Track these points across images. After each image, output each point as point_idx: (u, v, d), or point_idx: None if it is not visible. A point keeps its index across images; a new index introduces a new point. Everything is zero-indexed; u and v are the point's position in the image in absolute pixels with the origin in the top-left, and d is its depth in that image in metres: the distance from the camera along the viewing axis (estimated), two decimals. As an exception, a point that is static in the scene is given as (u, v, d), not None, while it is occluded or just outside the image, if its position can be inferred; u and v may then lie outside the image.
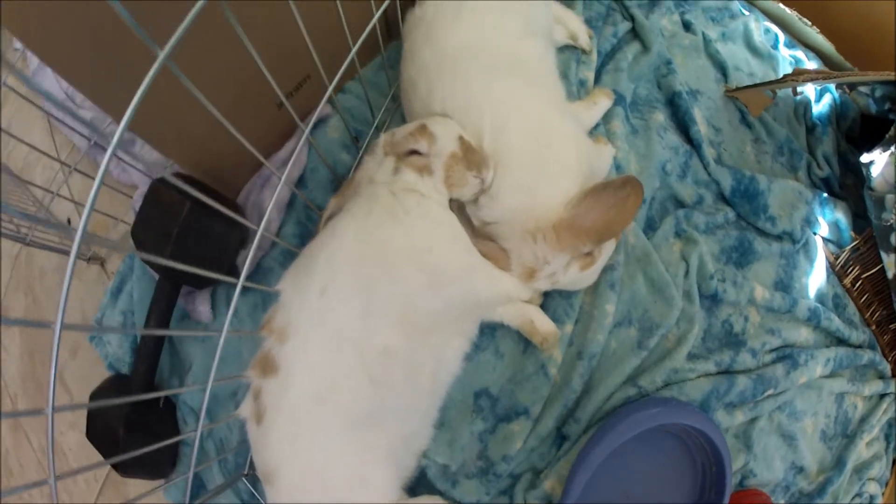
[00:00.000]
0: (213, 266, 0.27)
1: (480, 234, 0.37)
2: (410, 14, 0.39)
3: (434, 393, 0.36)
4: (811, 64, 0.63)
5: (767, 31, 0.65)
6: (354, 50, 0.32)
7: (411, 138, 0.34)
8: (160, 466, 0.39)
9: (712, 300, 0.45)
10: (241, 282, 0.26)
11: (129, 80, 0.18)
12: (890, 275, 0.57)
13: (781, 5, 0.64)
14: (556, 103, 0.38)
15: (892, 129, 0.52)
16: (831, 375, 0.55)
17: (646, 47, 0.50)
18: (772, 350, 0.48)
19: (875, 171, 0.52)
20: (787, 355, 0.48)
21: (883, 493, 0.71)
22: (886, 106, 0.59)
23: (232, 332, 0.28)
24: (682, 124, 0.48)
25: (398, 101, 0.42)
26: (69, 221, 0.52)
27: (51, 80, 0.56)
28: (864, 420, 0.60)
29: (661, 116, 0.47)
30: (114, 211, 0.50)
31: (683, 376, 0.41)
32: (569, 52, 0.46)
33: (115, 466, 0.39)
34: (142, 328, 0.39)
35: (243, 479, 0.39)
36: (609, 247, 0.37)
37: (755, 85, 0.49)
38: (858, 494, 0.63)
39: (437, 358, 0.35)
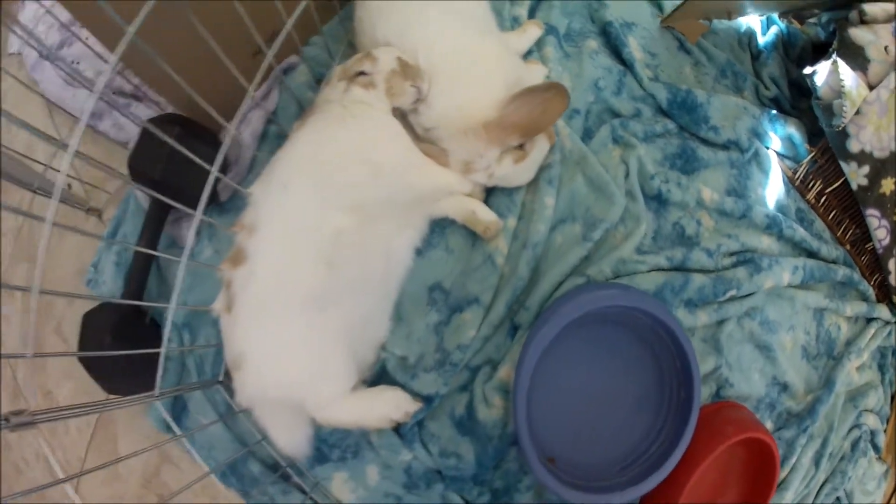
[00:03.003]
0: (198, 190, 0.35)
1: (423, 141, 0.44)
2: None
3: (387, 280, 0.42)
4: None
5: None
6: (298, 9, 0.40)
7: (358, 62, 0.42)
8: (143, 382, 0.45)
9: (659, 202, 0.50)
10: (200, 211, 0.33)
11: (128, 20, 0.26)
12: (854, 185, 0.61)
13: None
14: (485, 31, 0.46)
15: (835, 41, 0.58)
16: (804, 287, 0.58)
17: None
18: (731, 253, 0.53)
19: (819, 81, 0.58)
20: (749, 259, 0.53)
21: (885, 430, 0.71)
22: (832, 28, 0.64)
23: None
24: (616, 50, 0.55)
25: (354, 48, 0.51)
26: (69, 187, 0.62)
27: (49, 73, 0.68)
28: (850, 343, 0.63)
29: (594, 44, 0.55)
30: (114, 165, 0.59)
31: (633, 268, 0.46)
32: (505, 13, 0.55)
33: (102, 384, 0.46)
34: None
35: (219, 385, 0.45)
36: (542, 144, 0.44)
37: (680, 5, 0.56)
38: (857, 426, 0.65)
39: (388, 245, 0.41)
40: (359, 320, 0.41)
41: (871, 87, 0.60)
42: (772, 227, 0.56)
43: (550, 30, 0.54)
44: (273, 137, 0.48)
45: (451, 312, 0.44)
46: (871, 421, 0.68)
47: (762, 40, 0.70)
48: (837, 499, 0.64)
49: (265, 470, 0.45)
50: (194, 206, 0.36)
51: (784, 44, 0.71)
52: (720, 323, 0.51)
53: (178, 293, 0.36)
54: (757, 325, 0.54)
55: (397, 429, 0.44)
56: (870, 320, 0.67)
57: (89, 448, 0.58)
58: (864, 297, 0.66)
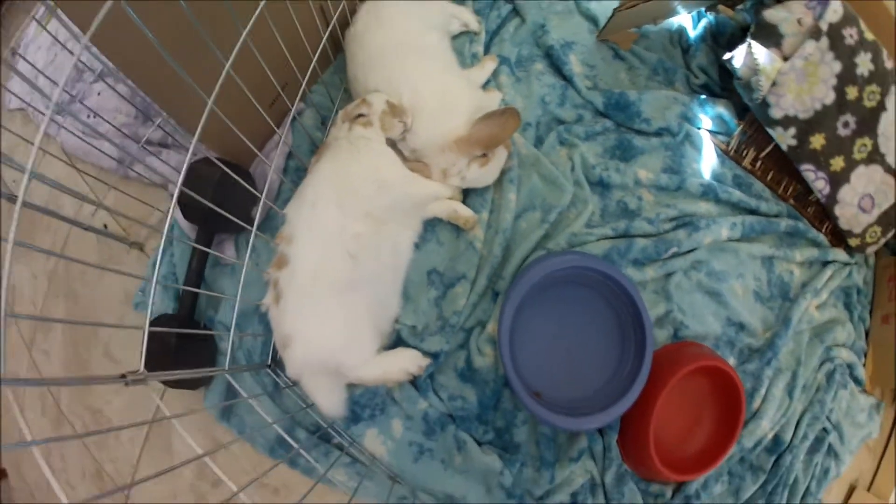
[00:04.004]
0: (238, 212, 0.63)
1: (409, 159, 0.73)
2: (347, 32, 0.80)
3: (395, 268, 0.71)
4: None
5: None
6: (316, 57, 0.71)
7: (357, 107, 0.73)
8: (200, 379, 0.72)
9: (602, 186, 0.81)
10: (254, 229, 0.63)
11: (176, 80, 0.54)
12: (784, 146, 0.91)
13: None
14: (451, 71, 0.78)
15: (752, 25, 0.87)
16: (748, 240, 0.87)
17: (524, 20, 0.90)
18: (671, 219, 0.83)
19: (738, 63, 0.89)
20: (688, 222, 0.83)
21: (864, 364, 0.97)
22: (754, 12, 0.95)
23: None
24: (558, 68, 0.86)
25: (349, 93, 0.81)
26: (105, 227, 0.91)
27: (66, 126, 0.97)
28: (806, 285, 0.91)
29: (540, 66, 0.87)
30: (151, 202, 0.88)
31: (584, 239, 0.76)
32: (464, 36, 0.89)
33: (166, 382, 0.73)
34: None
35: (267, 369, 0.72)
36: (501, 153, 0.74)
37: (610, 19, 0.87)
38: (829, 360, 0.92)
39: (393, 242, 0.70)
40: (377, 300, 0.70)
41: (787, 59, 0.88)
42: (707, 193, 0.86)
43: (504, 60, 0.87)
44: (292, 170, 0.78)
45: (445, 289, 0.74)
46: (844, 355, 0.94)
47: (693, 34, 1.01)
48: (824, 429, 0.90)
49: (309, 436, 0.72)
50: (233, 232, 0.64)
51: (714, 33, 1.03)
52: (668, 276, 0.81)
53: (240, 291, 0.63)
54: (704, 276, 0.83)
55: (413, 383, 0.71)
56: (826, 263, 0.96)
57: (143, 450, 0.84)
58: (815, 244, 0.96)
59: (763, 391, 0.84)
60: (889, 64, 0.93)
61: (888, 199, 0.97)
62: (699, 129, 0.92)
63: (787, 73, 0.87)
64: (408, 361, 0.69)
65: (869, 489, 0.99)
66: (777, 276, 0.91)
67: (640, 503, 0.77)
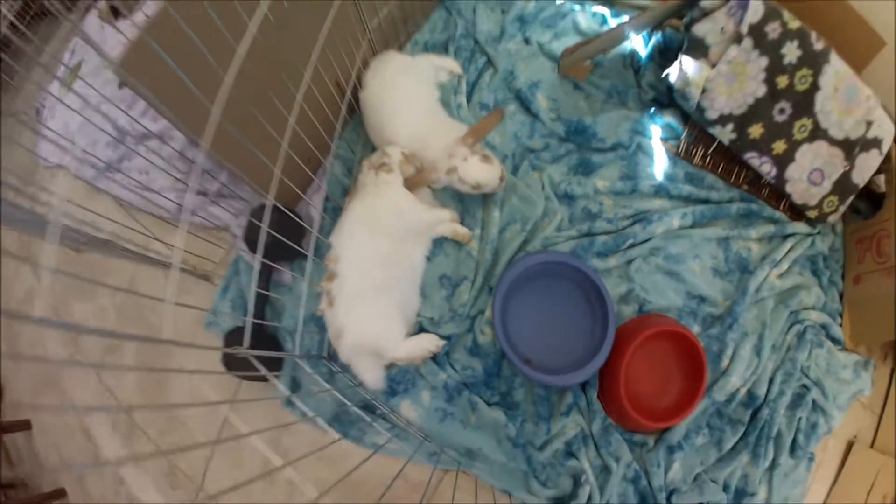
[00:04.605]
0: (291, 246, 1.04)
1: (421, 171, 1.14)
2: (360, 96, 1.20)
3: (414, 275, 1.14)
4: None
5: (595, 14, 1.43)
6: (339, 124, 1.11)
7: (379, 158, 1.16)
8: (272, 368, 1.12)
9: (568, 198, 1.21)
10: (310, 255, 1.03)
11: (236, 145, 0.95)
12: (726, 141, 1.30)
13: None
14: (443, 119, 1.17)
15: (685, 41, 1.24)
16: (701, 226, 1.25)
17: (496, 69, 1.30)
18: (628, 217, 1.22)
19: (673, 78, 1.27)
20: (642, 218, 1.21)
21: (840, 325, 1.32)
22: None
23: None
24: (527, 106, 1.25)
25: (368, 146, 1.21)
26: (188, 265, 1.32)
27: (118, 181, 1.40)
28: (765, 258, 1.27)
29: (512, 107, 1.29)
30: (217, 241, 1.29)
31: (554, 241, 1.16)
32: (449, 90, 1.28)
33: (243, 377, 1.13)
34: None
35: (323, 359, 1.12)
36: (497, 166, 1.13)
37: (562, 57, 1.26)
38: (798, 322, 1.27)
39: (411, 255, 1.13)
40: (403, 299, 1.10)
41: (714, 66, 1.23)
42: (659, 191, 1.25)
43: (483, 106, 1.29)
44: (330, 210, 1.17)
45: (453, 288, 1.14)
46: (814, 316, 1.28)
47: (644, 53, 1.38)
48: (804, 386, 1.23)
49: (358, 411, 1.10)
50: (288, 261, 1.04)
51: (662, 50, 1.40)
52: (628, 262, 1.20)
53: (304, 296, 1.03)
54: (661, 260, 1.22)
55: (434, 359, 1.10)
56: (787, 237, 1.32)
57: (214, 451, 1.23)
58: (772, 221, 1.33)
59: (730, 352, 1.20)
60: (819, 45, 1.20)
61: (838, 169, 1.29)
62: (649, 138, 1.30)
63: (714, 79, 1.23)
64: (429, 342, 1.08)
65: (872, 445, 1.27)
66: (735, 252, 1.27)
67: (626, 451, 1.12)
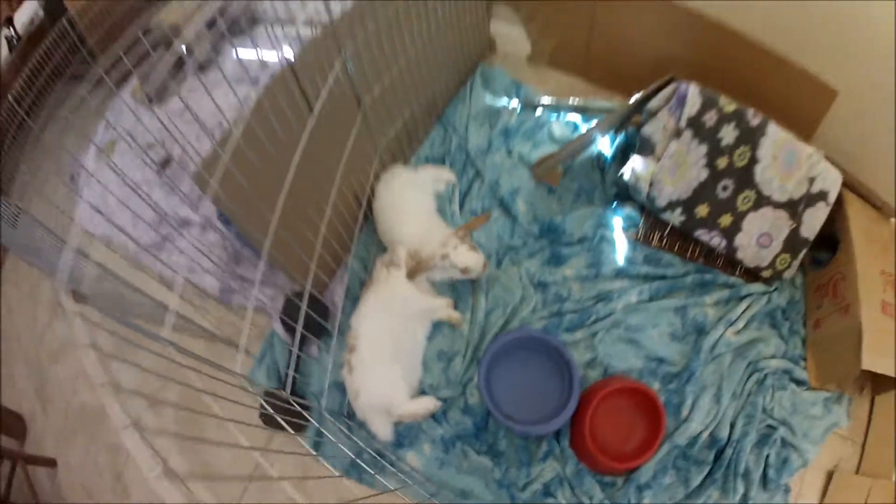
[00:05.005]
0: (319, 325, 1.49)
1: (418, 259, 1.60)
2: (373, 204, 1.73)
3: (417, 349, 1.65)
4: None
5: (567, 123, 1.93)
6: (358, 228, 1.59)
7: (389, 256, 1.66)
8: (299, 428, 1.55)
9: (542, 285, 1.71)
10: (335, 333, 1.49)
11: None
12: (677, 223, 1.78)
13: (572, 98, 1.96)
14: (438, 223, 1.66)
15: (637, 142, 1.71)
16: (657, 299, 1.70)
17: (484, 180, 1.80)
18: (592, 297, 1.69)
19: (626, 176, 1.77)
20: (604, 297, 1.67)
21: (805, 368, 1.66)
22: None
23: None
24: (509, 211, 1.73)
25: (380, 245, 1.70)
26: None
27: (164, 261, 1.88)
28: (720, 319, 1.68)
29: (496, 212, 1.81)
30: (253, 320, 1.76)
31: (529, 321, 1.65)
32: (444, 200, 1.81)
33: (275, 427, 1.56)
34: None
35: (343, 417, 1.55)
36: (480, 256, 1.59)
37: (535, 166, 1.74)
38: (757, 371, 1.67)
39: (415, 334, 1.64)
40: (408, 368, 1.59)
41: (659, 160, 1.67)
42: (620, 273, 1.74)
43: (473, 212, 1.74)
44: (350, 301, 1.64)
45: (448, 361, 1.61)
46: (774, 364, 1.64)
47: (610, 153, 1.85)
48: (769, 426, 1.57)
49: (371, 459, 1.51)
50: (318, 337, 1.50)
51: (624, 149, 1.88)
52: (593, 335, 1.66)
53: (330, 366, 1.47)
54: (622, 331, 1.68)
55: (433, 417, 1.53)
56: (743, 297, 1.71)
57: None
58: (727, 286, 1.76)
59: (689, 403, 1.61)
60: (755, 121, 1.53)
61: (785, 229, 1.62)
62: (611, 230, 1.77)
63: (660, 171, 1.70)
64: (429, 403, 1.53)
65: (857, 472, 1.52)
66: (692, 318, 1.71)
67: (597, 490, 1.51)
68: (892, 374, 1.42)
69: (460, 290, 1.76)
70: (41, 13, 3.57)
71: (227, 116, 1.28)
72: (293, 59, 1.32)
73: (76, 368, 2.35)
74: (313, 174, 1.49)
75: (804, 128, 1.68)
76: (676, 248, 1.76)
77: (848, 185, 1.64)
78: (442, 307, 1.69)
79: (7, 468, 2.10)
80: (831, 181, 1.56)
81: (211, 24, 1.34)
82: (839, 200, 1.60)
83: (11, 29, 3.57)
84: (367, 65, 1.59)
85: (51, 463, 2.20)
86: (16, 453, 2.12)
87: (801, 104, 1.62)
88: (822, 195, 1.56)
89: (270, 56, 1.50)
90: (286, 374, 1.67)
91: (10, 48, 3.47)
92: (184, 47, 2.68)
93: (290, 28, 1.41)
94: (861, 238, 1.58)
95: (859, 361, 1.42)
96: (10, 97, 2.72)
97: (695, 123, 1.57)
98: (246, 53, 2.49)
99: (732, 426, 1.54)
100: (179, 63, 2.57)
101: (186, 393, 1.85)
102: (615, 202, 1.82)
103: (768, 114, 1.58)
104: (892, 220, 1.67)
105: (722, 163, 1.58)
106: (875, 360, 1.43)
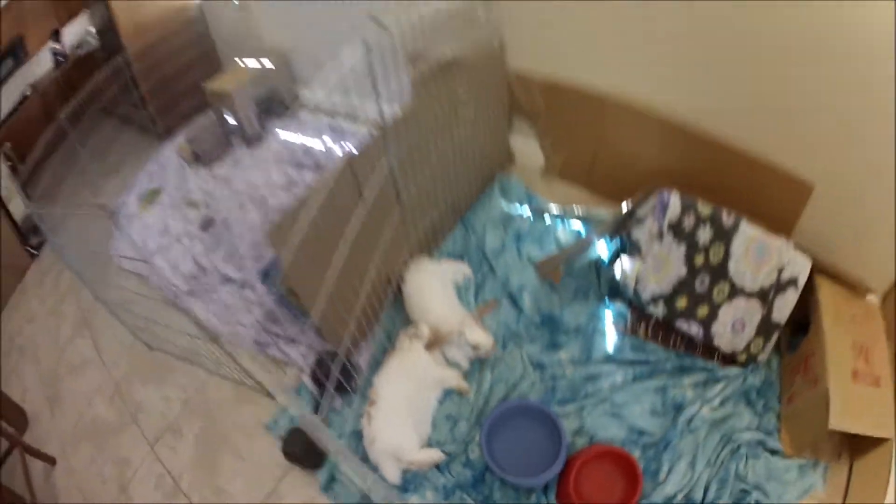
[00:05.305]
0: (344, 384, 1.96)
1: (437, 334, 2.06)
2: (403, 288, 2.22)
3: (428, 410, 2.07)
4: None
5: (572, 230, 2.45)
6: (386, 304, 2.07)
7: (413, 330, 2.12)
8: (317, 465, 1.94)
9: (540, 366, 2.15)
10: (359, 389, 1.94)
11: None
12: (660, 315, 2.18)
13: (577, 207, 2.57)
14: (456, 307, 2.16)
15: (627, 245, 2.18)
16: (640, 380, 2.09)
17: (496, 275, 2.31)
18: (583, 377, 2.11)
19: (616, 275, 2.22)
20: (593, 378, 2.07)
21: (779, 439, 1.90)
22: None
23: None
24: (516, 303, 2.22)
25: (405, 317, 2.19)
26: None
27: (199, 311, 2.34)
28: (697, 398, 2.03)
29: (505, 303, 2.26)
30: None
31: (527, 394, 2.05)
32: (462, 289, 2.35)
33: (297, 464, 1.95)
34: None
35: (361, 460, 1.94)
36: (489, 338, 2.04)
37: (538, 267, 2.22)
38: (731, 441, 1.94)
39: (428, 397, 2.07)
40: (419, 424, 2.02)
41: (644, 260, 2.13)
42: (609, 359, 2.15)
43: (485, 302, 2.22)
44: (373, 364, 2.09)
45: (455, 423, 2.05)
46: (747, 436, 1.90)
47: (607, 256, 2.33)
48: (743, 490, 1.80)
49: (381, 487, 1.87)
50: (340, 393, 1.94)
51: (619, 251, 2.33)
52: (581, 409, 2.03)
53: (351, 419, 1.88)
54: (608, 406, 2.05)
55: (438, 468, 1.91)
56: (719, 379, 2.03)
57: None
58: (705, 370, 2.08)
59: (666, 468, 1.85)
60: (729, 221, 1.84)
61: (757, 316, 1.92)
62: (603, 322, 2.18)
63: (644, 270, 2.11)
64: (435, 454, 1.90)
65: None
66: (671, 397, 2.01)
67: None
68: (862, 433, 1.62)
69: (470, 366, 2.15)
70: (91, 40, 3.77)
71: (268, 191, 1.68)
72: (355, 152, 1.80)
73: (96, 384, 2.73)
74: (357, 254, 1.96)
75: (786, 220, 1.99)
76: (660, 337, 2.11)
77: (820, 268, 1.91)
78: (454, 377, 2.09)
79: (4, 447, 2.36)
80: (800, 267, 1.81)
81: (260, 102, 1.72)
82: (811, 284, 1.85)
83: (58, 43, 3.76)
84: (408, 166, 2.11)
85: (50, 460, 2.45)
86: (15, 438, 2.36)
87: (775, 203, 1.93)
88: (791, 281, 1.82)
89: (314, 143, 1.91)
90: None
91: (56, 64, 3.74)
92: (233, 119, 3.09)
93: (327, 117, 1.78)
94: (830, 315, 1.83)
95: (827, 424, 1.60)
96: (62, 117, 2.96)
97: (675, 227, 1.92)
98: (292, 137, 2.89)
99: (706, 490, 1.76)
100: (227, 130, 2.99)
101: (209, 427, 2.22)
102: (608, 299, 2.22)
103: (753, 213, 1.90)
104: (869, 296, 1.91)
105: (699, 260, 1.92)
106: (843, 421, 1.61)
